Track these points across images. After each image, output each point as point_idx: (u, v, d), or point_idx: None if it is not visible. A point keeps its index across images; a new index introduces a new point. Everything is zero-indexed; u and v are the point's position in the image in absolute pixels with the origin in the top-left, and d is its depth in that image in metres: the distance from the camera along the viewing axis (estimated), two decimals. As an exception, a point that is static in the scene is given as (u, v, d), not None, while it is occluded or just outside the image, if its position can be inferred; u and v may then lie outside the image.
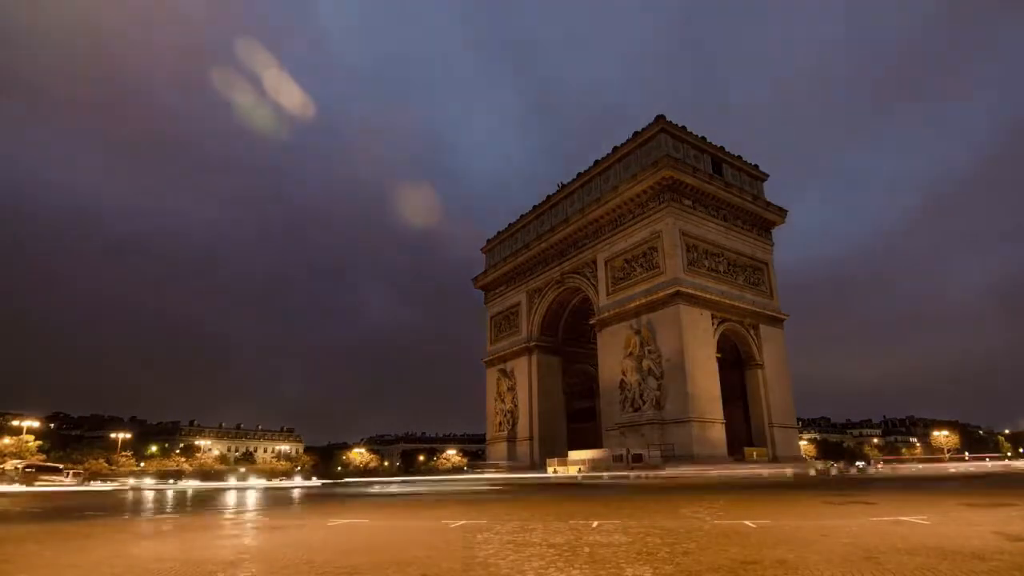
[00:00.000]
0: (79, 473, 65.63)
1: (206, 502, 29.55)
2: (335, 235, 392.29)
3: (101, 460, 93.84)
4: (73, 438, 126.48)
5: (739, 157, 72.34)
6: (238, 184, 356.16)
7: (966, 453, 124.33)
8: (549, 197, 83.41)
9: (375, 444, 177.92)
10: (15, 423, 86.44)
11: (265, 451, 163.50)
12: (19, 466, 60.97)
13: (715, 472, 46.99)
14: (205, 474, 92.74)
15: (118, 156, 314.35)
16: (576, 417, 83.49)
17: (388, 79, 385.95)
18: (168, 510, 24.24)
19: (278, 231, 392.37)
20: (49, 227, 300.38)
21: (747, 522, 13.38)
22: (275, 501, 30.32)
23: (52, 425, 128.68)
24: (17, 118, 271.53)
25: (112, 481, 69.32)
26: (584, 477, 53.09)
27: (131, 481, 69.49)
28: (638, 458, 56.33)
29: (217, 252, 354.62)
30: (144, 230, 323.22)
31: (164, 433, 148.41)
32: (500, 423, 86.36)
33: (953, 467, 75.43)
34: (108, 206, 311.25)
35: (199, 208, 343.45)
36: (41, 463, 67.97)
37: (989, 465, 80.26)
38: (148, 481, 72.59)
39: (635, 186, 65.40)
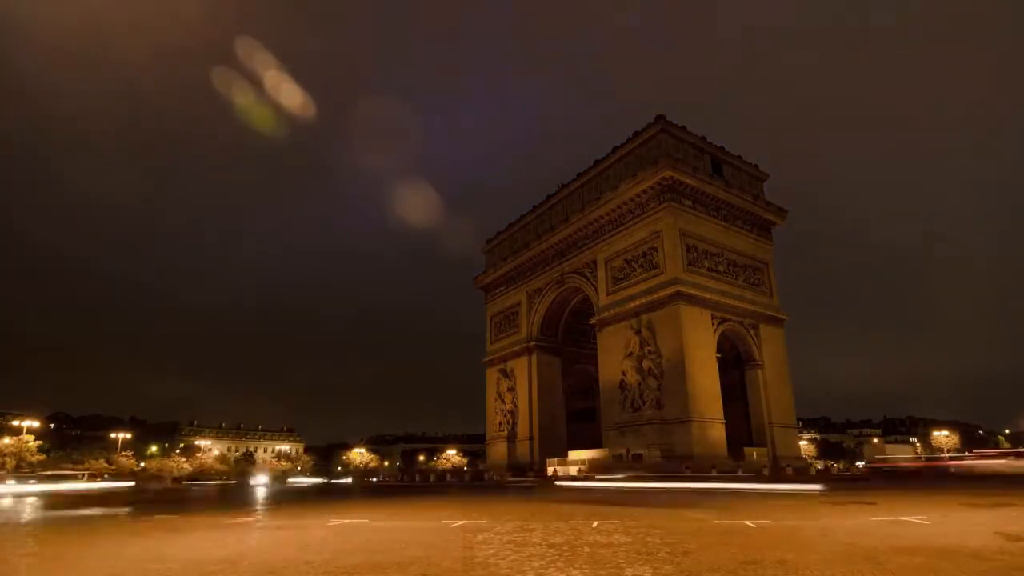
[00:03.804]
0: None
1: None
2: (334, 236, 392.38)
3: (101, 460, 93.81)
4: (73, 438, 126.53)
5: (739, 157, 72.29)
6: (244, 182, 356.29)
7: (966, 453, 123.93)
8: (549, 197, 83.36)
9: (375, 444, 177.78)
10: (15, 423, 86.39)
11: (265, 451, 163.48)
12: None
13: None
14: None
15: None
16: (576, 417, 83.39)
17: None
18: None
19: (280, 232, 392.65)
20: (51, 219, 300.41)
21: (747, 522, 13.38)
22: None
23: (52, 425, 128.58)
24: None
25: None
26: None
27: None
28: (638, 458, 56.31)
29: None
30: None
31: (164, 433, 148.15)
32: (500, 423, 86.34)
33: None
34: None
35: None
36: None
37: None
38: None
39: (635, 186, 65.36)
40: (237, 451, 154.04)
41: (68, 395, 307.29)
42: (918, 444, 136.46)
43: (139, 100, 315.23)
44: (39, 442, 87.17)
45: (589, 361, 78.04)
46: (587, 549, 9.70)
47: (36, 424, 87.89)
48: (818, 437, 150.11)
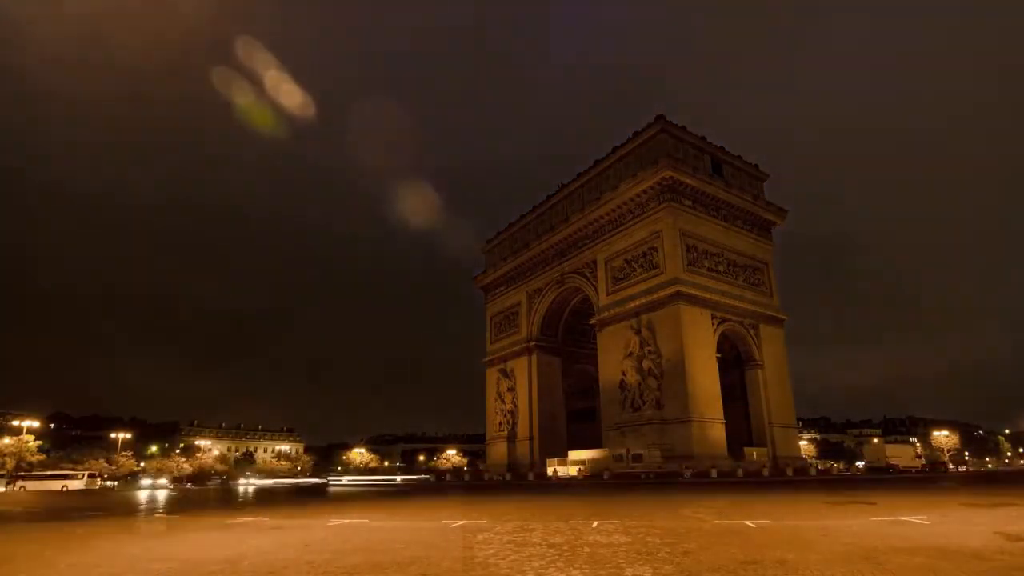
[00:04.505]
0: None
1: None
2: (333, 235, 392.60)
3: (101, 460, 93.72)
4: (73, 438, 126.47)
5: (739, 157, 72.24)
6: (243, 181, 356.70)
7: (966, 454, 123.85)
8: (549, 197, 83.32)
9: (375, 444, 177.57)
10: (15, 423, 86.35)
11: (265, 451, 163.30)
12: None
13: None
14: None
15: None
16: (576, 417, 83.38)
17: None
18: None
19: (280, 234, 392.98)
20: (48, 217, 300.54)
21: (747, 522, 13.38)
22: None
23: (52, 425, 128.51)
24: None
25: None
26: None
27: None
28: (638, 458, 56.21)
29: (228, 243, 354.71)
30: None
31: (164, 433, 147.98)
32: (500, 423, 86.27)
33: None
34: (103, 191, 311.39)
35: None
36: None
37: None
38: None
39: (635, 186, 65.32)
40: (237, 451, 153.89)
41: (68, 395, 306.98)
42: (918, 444, 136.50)
43: (139, 100, 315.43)
44: (39, 442, 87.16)
45: (589, 361, 78.03)
46: (587, 549, 9.71)
47: (36, 424, 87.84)
48: (818, 437, 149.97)
